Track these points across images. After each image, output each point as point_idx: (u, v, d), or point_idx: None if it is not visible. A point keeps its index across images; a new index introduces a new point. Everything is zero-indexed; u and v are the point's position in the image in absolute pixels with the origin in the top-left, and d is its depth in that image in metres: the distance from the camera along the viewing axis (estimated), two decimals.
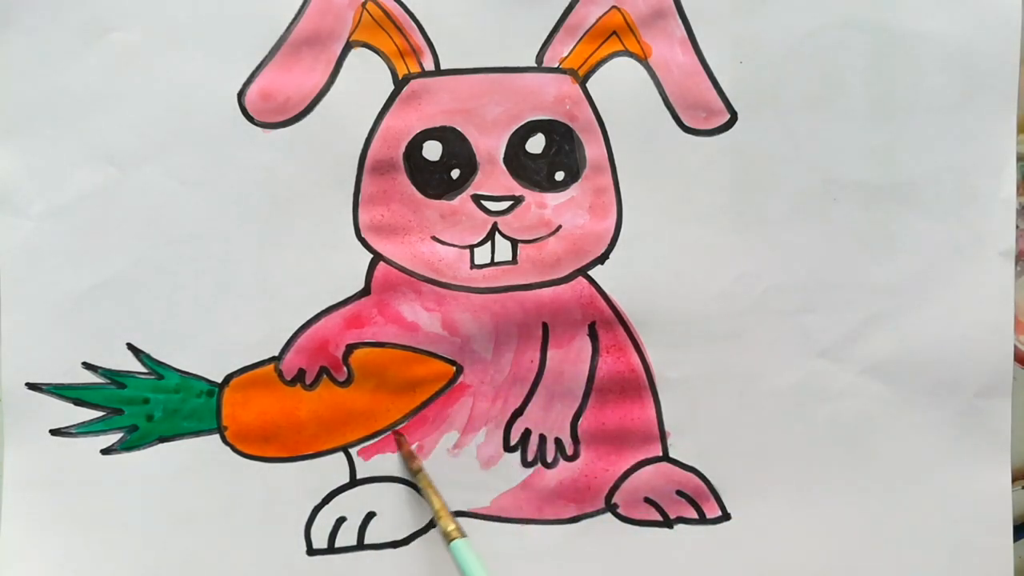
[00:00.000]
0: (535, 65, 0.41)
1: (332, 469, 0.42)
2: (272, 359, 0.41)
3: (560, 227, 0.41)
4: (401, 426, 0.42)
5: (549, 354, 0.42)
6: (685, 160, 0.41)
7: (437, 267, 0.41)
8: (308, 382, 0.41)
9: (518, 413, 0.42)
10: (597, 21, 0.40)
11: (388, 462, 0.42)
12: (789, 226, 0.41)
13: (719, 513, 0.42)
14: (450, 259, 0.41)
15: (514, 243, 0.41)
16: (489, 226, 0.41)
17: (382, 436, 0.42)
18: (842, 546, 0.42)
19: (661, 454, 0.42)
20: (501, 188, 0.41)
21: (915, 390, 0.42)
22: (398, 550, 0.42)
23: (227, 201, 0.40)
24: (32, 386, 0.40)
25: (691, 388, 0.42)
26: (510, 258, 0.41)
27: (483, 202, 0.41)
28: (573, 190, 0.41)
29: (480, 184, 0.41)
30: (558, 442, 0.42)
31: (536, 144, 0.41)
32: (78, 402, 0.41)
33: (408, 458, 0.41)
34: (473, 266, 0.41)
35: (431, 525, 0.42)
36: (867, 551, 0.42)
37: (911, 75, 0.41)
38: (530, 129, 0.41)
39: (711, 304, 0.41)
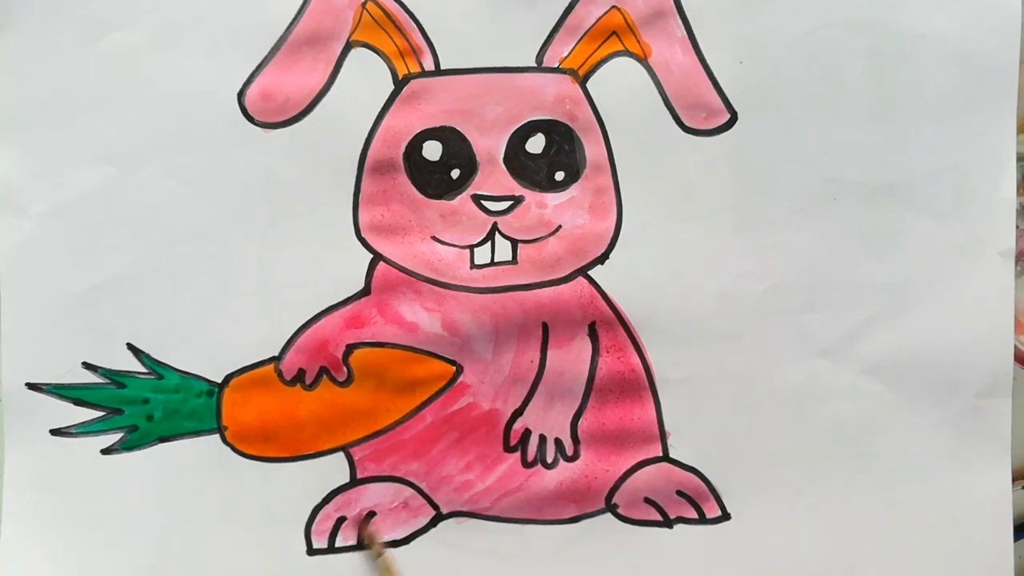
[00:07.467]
0: (535, 65, 0.41)
1: (332, 469, 0.41)
2: (272, 359, 0.41)
3: (560, 227, 0.41)
4: (402, 427, 0.42)
5: (549, 354, 0.42)
6: (685, 160, 0.41)
7: (437, 267, 0.41)
8: (308, 382, 0.41)
9: (518, 413, 0.42)
10: (597, 21, 0.40)
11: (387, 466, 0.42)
12: (789, 226, 0.41)
13: (719, 513, 0.42)
14: (450, 259, 0.41)
15: (514, 243, 0.41)
16: (489, 226, 0.41)
17: (380, 436, 0.42)
18: (842, 546, 0.42)
19: (661, 454, 0.42)
20: (501, 188, 0.41)
21: (915, 390, 0.42)
22: (398, 550, 0.42)
23: (227, 201, 0.40)
24: (32, 386, 0.40)
25: (691, 388, 0.42)
26: (510, 258, 0.41)
27: (483, 202, 0.41)
28: (573, 190, 0.41)
29: (480, 184, 0.41)
30: (558, 442, 0.42)
31: (536, 144, 0.41)
32: (78, 402, 0.41)
33: (369, 543, 0.41)
34: (473, 266, 0.41)
35: (431, 525, 0.42)
36: (867, 551, 0.42)
37: (911, 75, 0.41)
38: (530, 129, 0.41)
39: (711, 304, 0.41)
